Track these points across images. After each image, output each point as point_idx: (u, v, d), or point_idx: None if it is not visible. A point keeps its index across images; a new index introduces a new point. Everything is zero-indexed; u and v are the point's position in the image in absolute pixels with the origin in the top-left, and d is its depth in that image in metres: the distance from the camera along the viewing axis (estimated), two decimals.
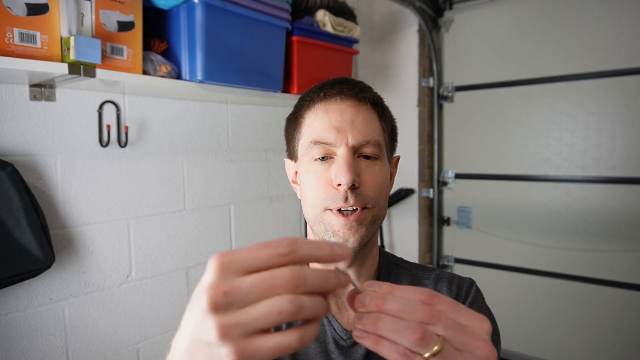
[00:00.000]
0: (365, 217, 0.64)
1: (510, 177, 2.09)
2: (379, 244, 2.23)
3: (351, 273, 0.70)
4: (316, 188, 0.65)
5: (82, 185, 1.21)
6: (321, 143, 0.65)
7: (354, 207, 0.63)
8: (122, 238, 1.30)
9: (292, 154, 0.74)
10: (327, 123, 0.65)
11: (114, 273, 1.28)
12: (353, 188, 0.63)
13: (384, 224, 2.31)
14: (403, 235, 2.28)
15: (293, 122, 0.73)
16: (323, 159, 0.66)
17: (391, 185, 0.74)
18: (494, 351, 0.36)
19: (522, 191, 2.07)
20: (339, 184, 0.63)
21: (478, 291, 0.74)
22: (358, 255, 0.69)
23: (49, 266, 1.07)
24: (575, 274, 1.96)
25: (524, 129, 2.06)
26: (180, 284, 1.45)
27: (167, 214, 1.41)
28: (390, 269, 0.76)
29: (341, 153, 0.64)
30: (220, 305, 0.31)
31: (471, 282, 0.75)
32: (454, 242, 2.32)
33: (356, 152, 0.65)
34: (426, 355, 0.35)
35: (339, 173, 0.62)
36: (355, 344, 0.68)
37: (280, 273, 0.32)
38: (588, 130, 1.90)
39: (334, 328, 0.69)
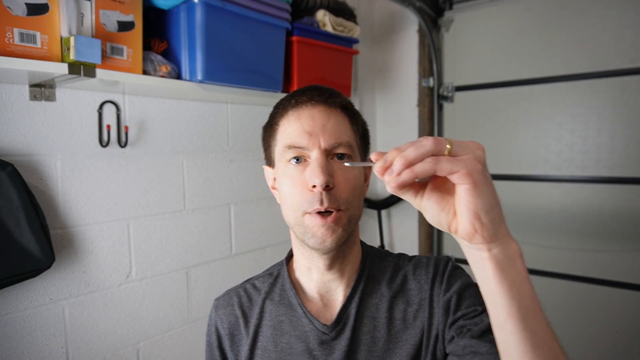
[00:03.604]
0: (341, 218, 0.68)
1: (510, 177, 2.09)
2: (380, 243, 2.24)
3: (334, 271, 0.74)
4: (293, 192, 0.69)
5: (82, 185, 1.21)
6: (295, 147, 0.69)
7: (330, 210, 0.67)
8: (122, 238, 1.30)
9: (269, 161, 0.78)
10: (299, 128, 0.69)
11: (114, 273, 1.28)
12: (328, 189, 0.66)
13: (384, 224, 2.31)
14: (403, 235, 2.28)
15: (269, 130, 0.77)
16: (297, 160, 0.69)
17: (366, 186, 0.77)
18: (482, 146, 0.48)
19: (522, 191, 2.07)
20: (314, 186, 0.66)
21: (455, 266, 0.76)
22: (339, 254, 0.73)
23: (49, 266, 1.07)
24: (575, 274, 1.96)
25: (524, 129, 2.06)
26: (180, 284, 1.45)
27: (167, 214, 1.41)
28: (374, 262, 0.79)
29: (314, 156, 0.67)
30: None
31: (447, 260, 0.77)
32: (454, 242, 2.32)
33: (329, 154, 0.68)
34: (445, 152, 0.45)
35: (313, 174, 0.66)
36: (336, 337, 0.72)
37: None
38: (588, 130, 1.90)
39: (315, 326, 0.73)
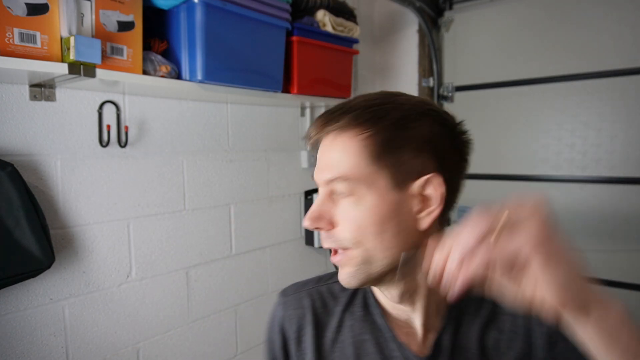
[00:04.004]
0: (350, 258, 0.61)
1: (510, 177, 2.09)
2: None
3: (405, 304, 0.67)
4: None
5: (82, 185, 1.21)
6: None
7: (332, 249, 0.63)
8: (122, 238, 1.30)
9: None
10: (316, 163, 0.65)
11: (114, 273, 1.28)
12: (327, 229, 0.61)
13: None
14: None
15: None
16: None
17: (434, 215, 0.59)
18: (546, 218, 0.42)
19: (522, 191, 2.07)
20: None
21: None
22: (402, 288, 0.65)
23: (49, 266, 1.07)
24: None
25: (524, 129, 2.06)
26: (180, 284, 1.45)
27: (167, 214, 1.41)
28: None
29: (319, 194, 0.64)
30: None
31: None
32: None
33: (333, 191, 0.62)
34: (498, 227, 0.41)
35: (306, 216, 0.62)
36: None
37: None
38: (588, 130, 1.90)
39: (405, 356, 0.66)
